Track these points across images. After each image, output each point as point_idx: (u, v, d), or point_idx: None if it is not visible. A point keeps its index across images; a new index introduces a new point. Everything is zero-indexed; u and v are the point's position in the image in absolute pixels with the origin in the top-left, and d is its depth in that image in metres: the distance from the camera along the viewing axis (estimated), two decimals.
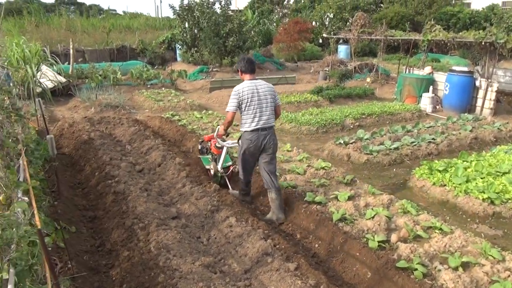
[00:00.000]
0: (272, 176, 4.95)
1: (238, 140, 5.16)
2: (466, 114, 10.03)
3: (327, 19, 26.10)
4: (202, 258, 3.69)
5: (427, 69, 12.48)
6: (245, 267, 3.72)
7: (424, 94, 11.41)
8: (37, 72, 11.05)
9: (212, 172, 5.90)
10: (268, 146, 4.89)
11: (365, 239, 4.24)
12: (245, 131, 4.88)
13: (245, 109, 4.77)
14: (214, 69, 17.30)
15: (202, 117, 9.65)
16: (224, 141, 5.69)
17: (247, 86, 4.80)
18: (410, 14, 26.09)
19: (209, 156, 6.03)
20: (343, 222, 4.55)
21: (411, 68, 13.51)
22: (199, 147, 6.37)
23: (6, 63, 9.69)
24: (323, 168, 6.19)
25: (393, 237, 4.24)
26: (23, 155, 3.41)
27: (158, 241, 3.87)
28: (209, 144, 5.97)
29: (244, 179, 5.26)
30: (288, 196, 5.23)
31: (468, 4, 32.68)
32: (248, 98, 4.74)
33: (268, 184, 4.98)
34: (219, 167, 5.71)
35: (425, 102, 11.28)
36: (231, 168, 5.78)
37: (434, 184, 5.83)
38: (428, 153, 7.39)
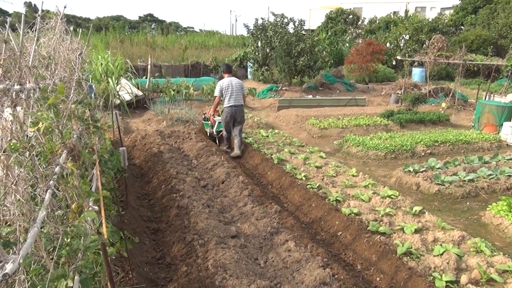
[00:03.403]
0: (239, 133, 8.38)
1: (220, 113, 8.85)
2: None
3: (402, 40, 25.36)
4: (258, 281, 3.65)
5: (510, 96, 11.64)
6: None
7: (505, 123, 10.62)
8: (117, 85, 11.78)
9: (208, 133, 9.56)
10: (238, 117, 8.29)
11: (431, 277, 3.98)
12: (225, 107, 8.28)
13: (224, 93, 8.16)
14: (283, 88, 17.39)
15: (268, 136, 9.70)
16: (218, 116, 9.11)
17: (226, 80, 8.24)
18: (493, 38, 24.65)
19: (209, 123, 9.54)
20: (408, 257, 4.32)
21: (492, 95, 12.69)
22: (203, 116, 9.87)
23: (90, 76, 10.44)
24: (389, 196, 5.94)
25: (463, 278, 3.94)
26: (97, 165, 3.59)
27: (216, 259, 3.89)
28: (208, 116, 9.50)
29: (226, 135, 8.72)
30: (350, 223, 5.05)
31: None
32: (226, 87, 8.16)
33: (235, 137, 8.42)
34: (214, 131, 9.34)
35: (507, 132, 10.49)
36: (221, 133, 8.97)
37: None
38: (508, 187, 6.83)
